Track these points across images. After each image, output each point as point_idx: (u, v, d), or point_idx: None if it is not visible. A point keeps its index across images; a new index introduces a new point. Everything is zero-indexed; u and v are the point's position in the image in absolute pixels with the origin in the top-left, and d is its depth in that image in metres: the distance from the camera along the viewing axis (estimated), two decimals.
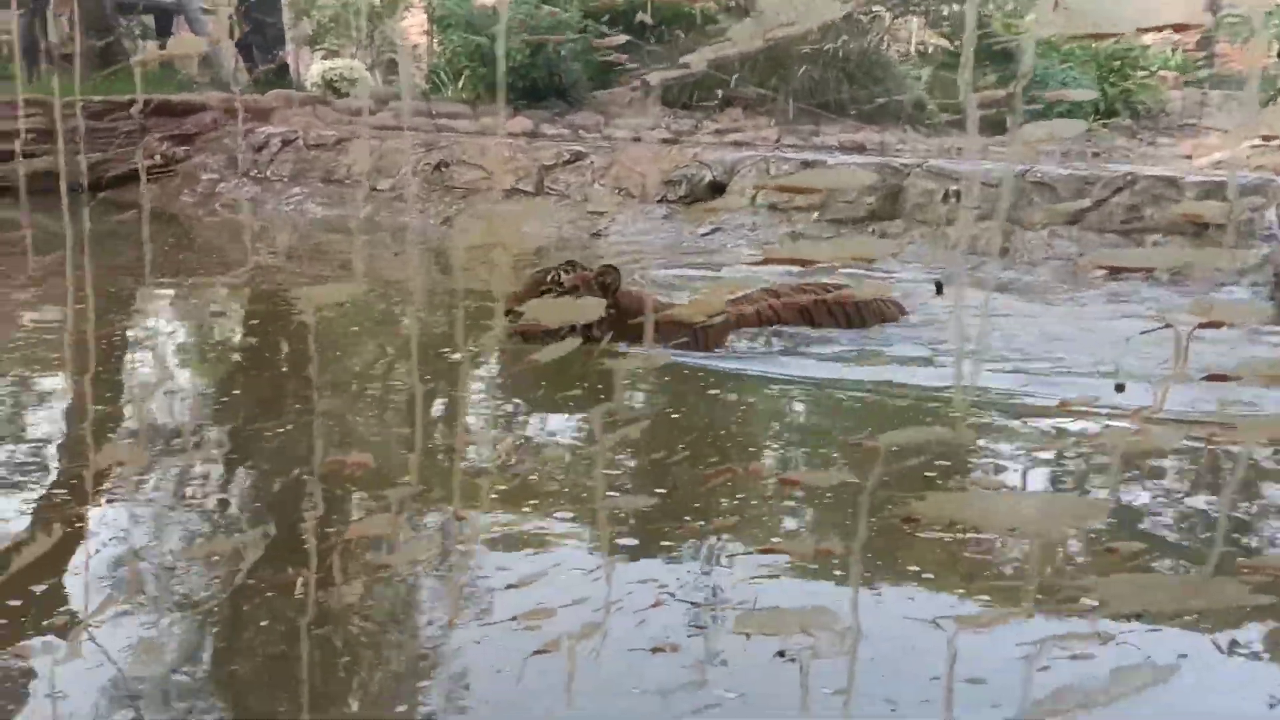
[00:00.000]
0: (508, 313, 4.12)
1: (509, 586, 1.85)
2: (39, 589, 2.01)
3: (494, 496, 2.40)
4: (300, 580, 1.77)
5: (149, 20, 17.49)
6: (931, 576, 2.15)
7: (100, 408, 3.37)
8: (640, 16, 12.13)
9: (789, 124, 11.13)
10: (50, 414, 3.40)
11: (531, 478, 2.61)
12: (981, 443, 3.01)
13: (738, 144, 10.38)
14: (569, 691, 1.37)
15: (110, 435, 2.96)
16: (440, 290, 5.31)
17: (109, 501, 2.26)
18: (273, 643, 1.85)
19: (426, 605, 1.99)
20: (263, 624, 1.91)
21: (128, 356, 4.27)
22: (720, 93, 11.35)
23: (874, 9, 12.08)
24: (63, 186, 1.59)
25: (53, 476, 2.79)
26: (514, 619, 1.71)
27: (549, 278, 4.12)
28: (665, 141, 10.72)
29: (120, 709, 1.67)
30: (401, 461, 2.68)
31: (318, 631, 1.82)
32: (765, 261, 1.11)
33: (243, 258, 7.69)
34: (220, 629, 1.92)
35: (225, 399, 3.63)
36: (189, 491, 2.35)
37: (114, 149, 10.74)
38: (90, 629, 1.82)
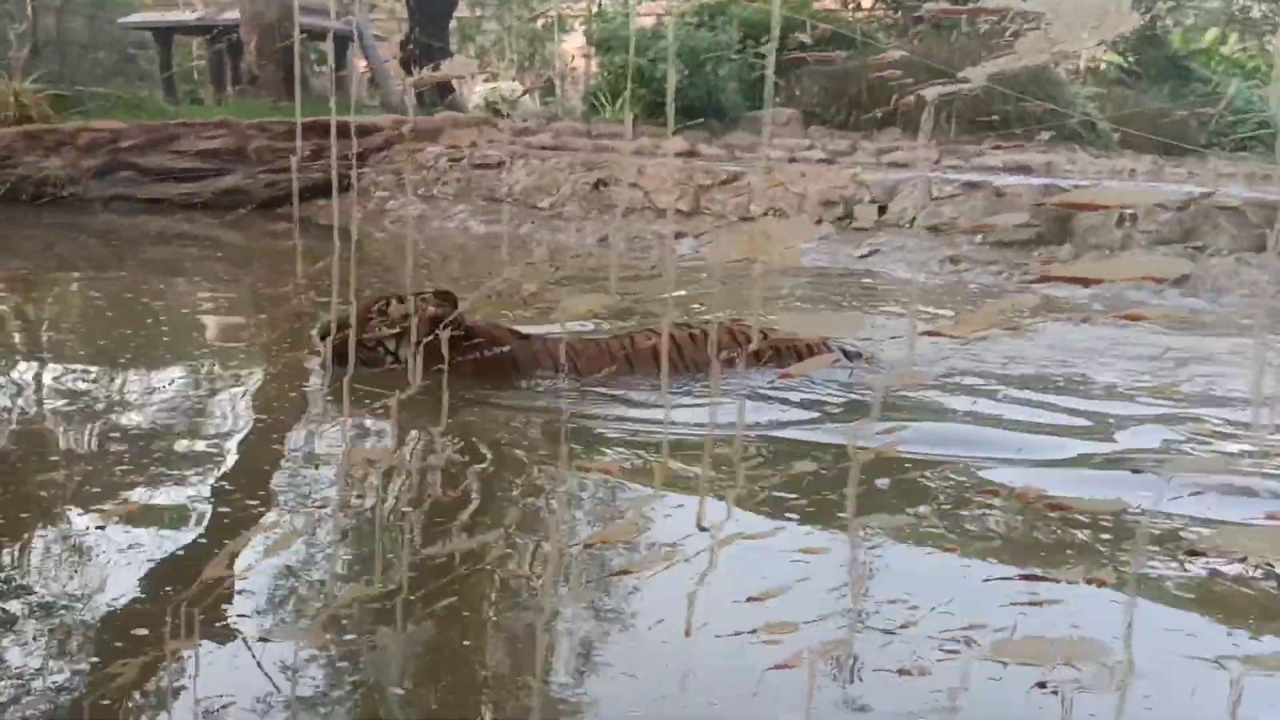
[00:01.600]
0: (323, 337, 3.94)
1: (750, 599, 1.83)
2: (286, 577, 2.13)
3: (741, 507, 2.38)
4: (537, 582, 1.81)
5: (325, 47, 18.45)
6: (1216, 611, 2.02)
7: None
8: (798, 35, 12.09)
9: (950, 143, 10.87)
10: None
11: (780, 491, 2.57)
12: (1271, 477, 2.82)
13: (896, 164, 10.20)
14: (807, 711, 1.34)
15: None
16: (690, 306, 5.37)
17: (358, 497, 2.36)
18: (506, 644, 1.90)
19: (664, 613, 1.99)
20: (497, 624, 1.96)
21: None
22: (879, 113, 11.18)
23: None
24: (297, 201, 1.67)
25: (301, 473, 2.95)
26: (753, 631, 1.69)
27: (375, 307, 4.00)
28: (821, 162, 10.64)
29: (350, 702, 1.74)
30: (647, 468, 2.70)
31: (551, 634, 1.86)
32: (1042, 279, 1.07)
33: (421, 273, 8.00)
34: (457, 628, 1.97)
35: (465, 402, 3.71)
36: (430, 491, 2.44)
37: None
38: (332, 619, 1.91)
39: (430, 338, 3.79)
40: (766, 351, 3.94)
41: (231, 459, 3.03)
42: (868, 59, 10.62)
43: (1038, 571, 2.02)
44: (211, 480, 2.82)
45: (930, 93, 1.04)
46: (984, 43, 11.33)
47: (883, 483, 2.63)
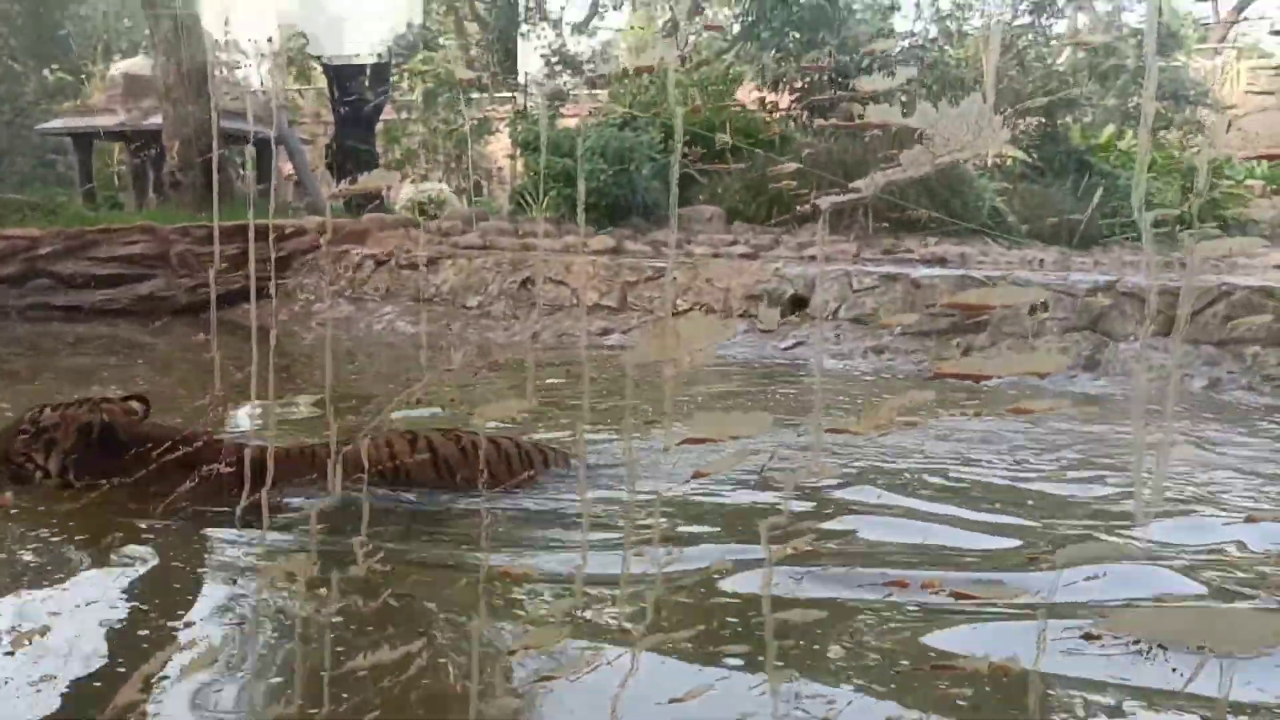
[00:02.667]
0: None
1: (672, 701, 1.81)
2: (204, 699, 2.04)
3: (660, 606, 2.35)
4: (461, 690, 1.76)
5: (251, 150, 18.51)
6: (1116, 693, 2.05)
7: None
8: (720, 138, 12.49)
9: (867, 238, 11.23)
10: None
11: (687, 594, 2.55)
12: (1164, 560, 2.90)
13: (816, 258, 10.48)
14: None
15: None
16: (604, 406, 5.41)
17: (277, 612, 2.26)
18: None
19: (587, 718, 1.95)
20: None
21: None
22: (797, 208, 11.53)
23: None
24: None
25: (218, 588, 2.88)
26: None
27: (28, 417, 3.82)
28: (745, 256, 10.90)
29: None
30: (566, 572, 2.66)
31: None
32: (936, 376, 1.12)
33: (338, 375, 7.91)
34: None
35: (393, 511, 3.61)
36: (352, 603, 2.37)
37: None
38: None
39: (79, 449, 3.60)
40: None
41: (144, 573, 2.94)
42: (772, 166, 11.00)
43: (945, 662, 2.04)
44: (123, 598, 2.73)
45: (824, 202, 1.10)
46: (894, 141, 11.83)
47: (797, 577, 2.65)
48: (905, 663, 2.19)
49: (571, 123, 15.42)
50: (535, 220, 12.18)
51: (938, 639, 2.32)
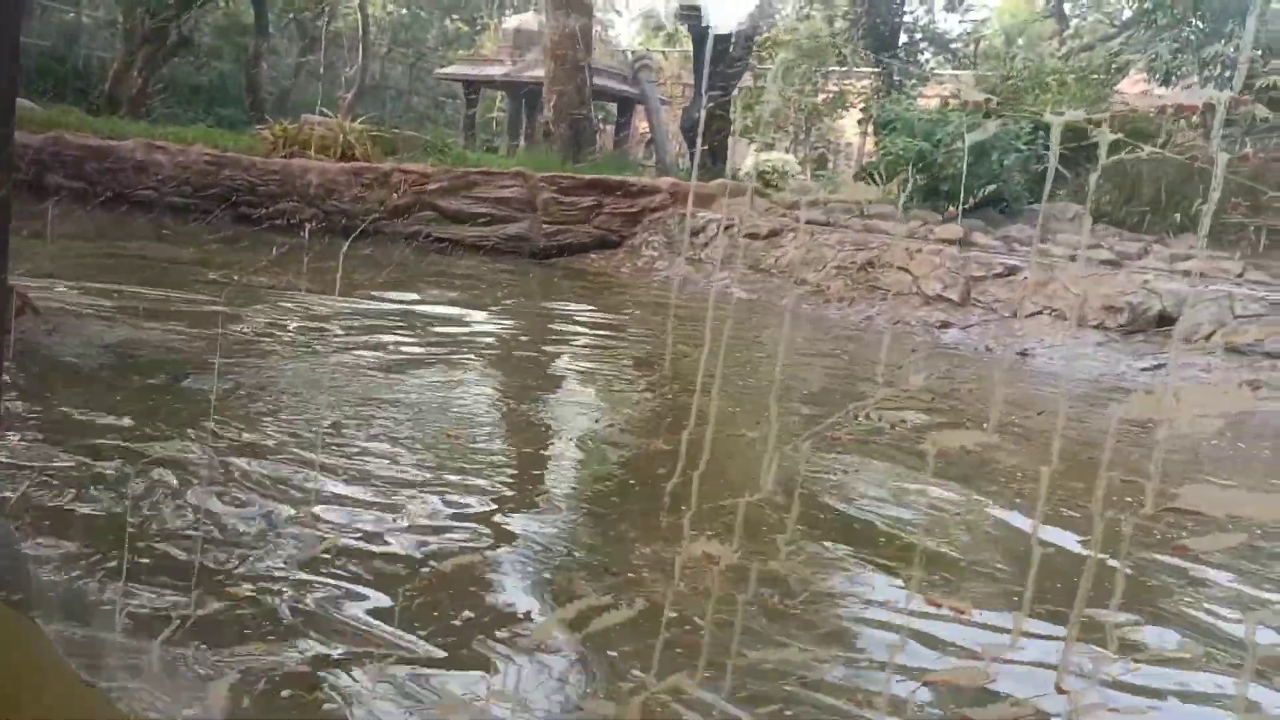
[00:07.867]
0: None
1: None
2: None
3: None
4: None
5: (612, 107, 19.48)
6: None
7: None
8: (1097, 132, 11.58)
9: (1256, 257, 10.03)
10: None
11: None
12: None
13: (1189, 274, 9.51)
14: None
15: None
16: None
17: (694, 590, 2.28)
18: None
19: None
20: None
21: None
22: (1178, 217, 10.52)
23: None
24: None
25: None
26: None
27: None
28: (1106, 263, 10.10)
29: None
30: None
31: None
32: None
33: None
34: None
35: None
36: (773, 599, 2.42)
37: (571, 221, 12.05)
38: None
39: None
40: None
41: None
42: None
43: None
44: None
45: None
46: None
47: None
48: None
49: (931, 103, 14.89)
50: (882, 202, 11.94)
51: None
